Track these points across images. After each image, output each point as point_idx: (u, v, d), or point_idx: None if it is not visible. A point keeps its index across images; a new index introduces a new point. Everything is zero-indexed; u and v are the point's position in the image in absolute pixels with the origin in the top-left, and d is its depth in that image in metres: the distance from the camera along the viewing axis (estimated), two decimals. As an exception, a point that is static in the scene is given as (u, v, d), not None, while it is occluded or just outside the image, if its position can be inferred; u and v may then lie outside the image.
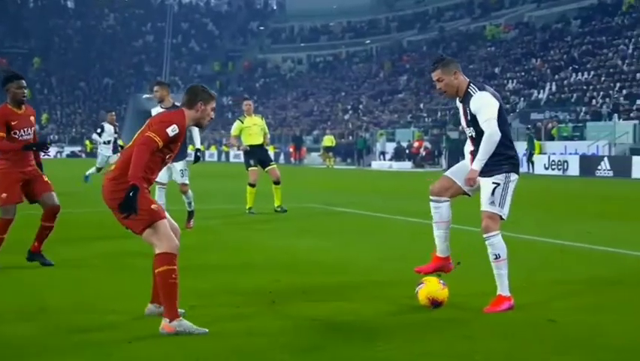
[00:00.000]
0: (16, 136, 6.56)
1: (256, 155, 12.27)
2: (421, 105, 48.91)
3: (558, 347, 4.19)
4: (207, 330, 4.37)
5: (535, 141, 32.20)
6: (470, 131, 5.22)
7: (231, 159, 51.64)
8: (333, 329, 4.51)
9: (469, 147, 5.31)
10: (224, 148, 52.16)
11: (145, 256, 7.32)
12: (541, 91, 40.73)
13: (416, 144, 39.68)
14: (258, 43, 79.75)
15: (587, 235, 9.19)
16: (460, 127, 5.39)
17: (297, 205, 13.23)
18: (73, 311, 4.99)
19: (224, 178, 24.52)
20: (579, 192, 18.49)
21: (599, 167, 27.87)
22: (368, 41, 68.70)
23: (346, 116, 54.33)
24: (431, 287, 5.15)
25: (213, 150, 55.77)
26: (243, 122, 12.33)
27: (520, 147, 33.01)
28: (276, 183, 12.22)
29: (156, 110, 9.95)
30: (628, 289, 5.85)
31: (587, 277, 6.32)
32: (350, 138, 47.29)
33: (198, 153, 10.30)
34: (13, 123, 6.52)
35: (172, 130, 4.44)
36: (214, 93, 4.73)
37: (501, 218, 5.16)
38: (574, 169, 29.06)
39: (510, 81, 44.66)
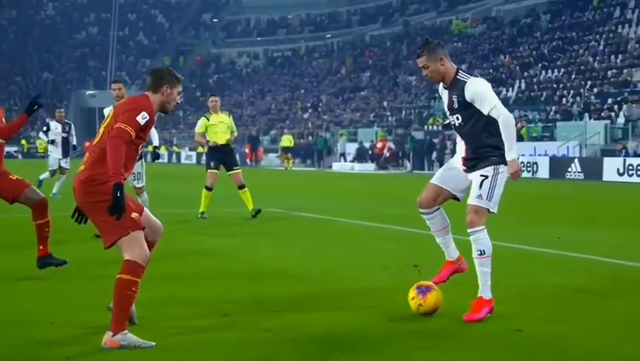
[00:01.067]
0: None
1: (220, 156, 12.19)
2: (385, 103, 49.27)
3: (525, 358, 4.28)
4: (154, 344, 4.35)
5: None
6: (454, 119, 5.30)
7: (182, 160, 51.34)
8: (289, 341, 4.53)
9: (460, 141, 5.39)
10: (174, 149, 51.74)
11: (90, 264, 7.25)
12: (510, 89, 41.39)
13: (379, 145, 39.95)
14: (211, 37, 79.40)
15: (557, 240, 9.38)
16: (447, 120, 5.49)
17: (235, 210, 13.22)
18: (9, 325, 4.91)
19: (175, 180, 24.34)
20: (549, 196, 18.84)
21: (570, 169, 28.42)
22: (329, 35, 68.96)
23: (306, 115, 54.43)
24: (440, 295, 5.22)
25: (163, 150, 55.21)
26: (208, 120, 12.30)
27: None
28: (241, 187, 12.14)
29: (109, 110, 10.05)
30: (596, 297, 5.99)
31: (555, 285, 6.46)
32: (310, 138, 47.40)
33: (158, 151, 10.38)
34: None
35: (142, 118, 4.41)
36: (180, 77, 4.72)
37: (489, 212, 5.20)
38: (544, 171, 29.57)
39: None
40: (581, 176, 27.71)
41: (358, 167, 38.94)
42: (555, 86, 38.60)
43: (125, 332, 4.34)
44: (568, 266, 7.63)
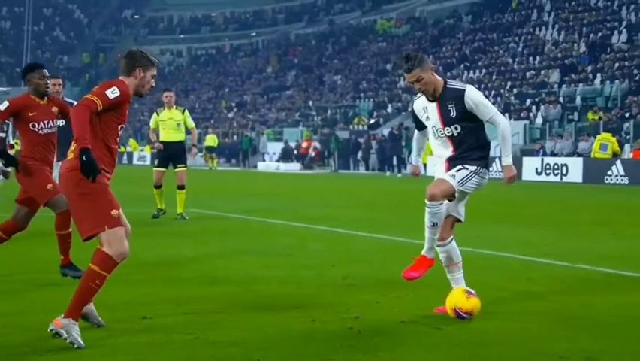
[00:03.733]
0: (35, 129, 6.46)
1: (168, 153, 12.09)
2: (310, 103, 49.46)
3: (444, 356, 4.38)
4: (84, 345, 4.30)
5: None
6: (450, 130, 5.22)
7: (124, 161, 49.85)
8: (210, 343, 4.50)
9: (442, 149, 5.31)
10: (121, 149, 50.43)
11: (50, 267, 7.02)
12: (434, 89, 42.16)
13: (305, 144, 40.07)
14: (132, 34, 77.94)
15: (477, 239, 9.62)
16: (432, 129, 5.36)
17: (176, 210, 13.05)
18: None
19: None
20: (470, 196, 19.26)
21: (491, 168, 29.11)
22: (253, 34, 68.73)
23: (230, 114, 54.08)
24: (456, 297, 5.19)
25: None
26: (158, 115, 12.31)
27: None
28: (180, 187, 12.00)
29: None
30: (515, 295, 6.17)
31: (472, 283, 6.62)
32: (235, 137, 47.10)
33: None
34: (31, 114, 6.40)
35: (112, 92, 4.38)
36: (155, 60, 4.68)
37: (452, 196, 5.24)
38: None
39: (402, 78, 45.96)
40: (502, 175, 28.43)
41: (284, 167, 38.95)
42: (477, 86, 39.50)
43: (75, 323, 4.33)
44: (486, 264, 7.83)
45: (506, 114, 33.86)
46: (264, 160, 41.78)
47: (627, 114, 28.99)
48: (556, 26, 40.59)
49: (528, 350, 4.48)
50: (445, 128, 5.25)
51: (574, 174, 25.82)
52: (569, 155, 27.68)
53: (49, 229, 7.11)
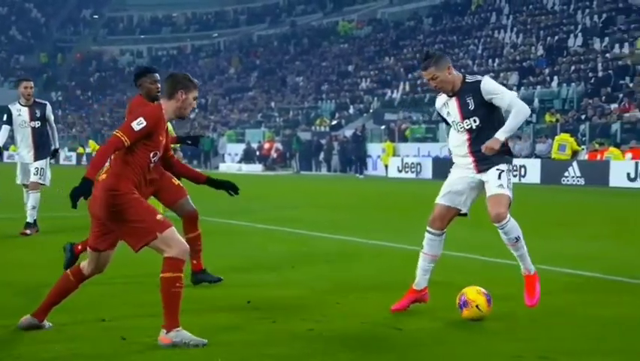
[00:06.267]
0: None
1: None
2: (272, 104, 49.40)
3: (404, 356, 4.42)
4: (206, 341, 4.40)
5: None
6: (469, 123, 5.28)
7: (61, 161, 49.27)
8: (168, 346, 4.47)
9: (461, 148, 5.35)
10: (80, 150, 49.58)
11: (22, 267, 6.87)
12: (395, 90, 42.49)
13: (267, 146, 40.00)
14: (91, 34, 76.97)
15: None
16: (452, 126, 5.43)
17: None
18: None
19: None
20: (432, 196, 19.44)
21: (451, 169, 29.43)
22: (215, 35, 68.39)
23: (192, 115, 53.71)
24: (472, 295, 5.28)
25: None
26: None
27: (376, 149, 34.30)
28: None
29: (16, 109, 10.00)
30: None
31: (436, 284, 6.69)
32: (196, 138, 46.75)
33: (57, 154, 10.41)
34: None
35: (137, 124, 4.46)
36: (196, 81, 4.79)
37: (510, 201, 5.29)
38: (427, 172, 30.53)
39: (364, 80, 46.20)
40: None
41: (246, 168, 38.83)
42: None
43: (179, 328, 4.40)
44: (448, 264, 7.90)
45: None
46: (224, 161, 41.61)
47: (583, 116, 29.54)
48: (515, 29, 41.18)
49: (485, 349, 4.55)
50: (464, 121, 5.33)
51: (532, 175, 26.21)
52: (527, 156, 28.09)
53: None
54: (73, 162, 47.75)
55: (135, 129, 4.45)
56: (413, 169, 31.30)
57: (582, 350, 4.55)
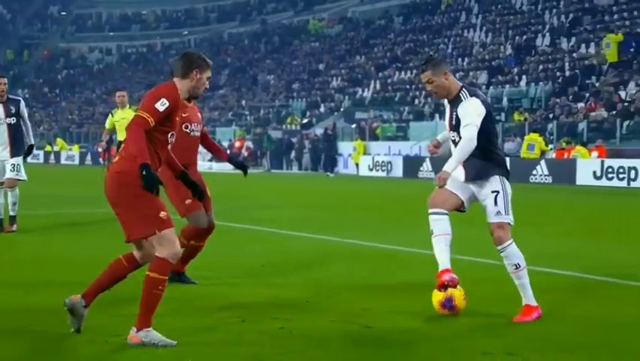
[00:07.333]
0: (188, 130, 6.25)
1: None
2: (243, 102, 49.25)
3: (373, 355, 4.44)
4: (175, 342, 4.38)
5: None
6: (454, 136, 5.36)
7: (50, 160, 48.42)
8: (138, 346, 4.45)
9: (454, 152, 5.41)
10: (48, 148, 48.88)
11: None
12: (366, 89, 42.60)
13: (237, 144, 39.87)
14: (59, 30, 76.04)
15: (409, 238, 9.76)
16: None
17: (106, 211, 12.84)
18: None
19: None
20: (403, 195, 19.59)
21: (422, 168, 29.61)
22: (185, 32, 68.00)
23: (162, 113, 53.30)
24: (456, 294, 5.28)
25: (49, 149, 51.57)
26: (113, 116, 12.28)
27: (347, 147, 34.37)
28: None
29: None
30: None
31: (405, 281, 6.74)
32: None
33: (32, 150, 10.30)
34: (184, 115, 6.14)
35: (161, 104, 4.43)
36: (210, 61, 4.74)
37: (510, 224, 5.28)
38: (398, 170, 30.65)
39: (335, 78, 46.26)
40: (433, 175, 28.92)
41: (216, 166, 38.63)
42: (408, 87, 40.12)
43: (150, 329, 4.39)
44: (423, 263, 7.94)
45: (436, 115, 34.45)
46: (200, 160, 41.35)
47: (551, 115, 29.90)
48: (484, 29, 41.53)
49: (453, 346, 4.59)
50: (450, 133, 5.43)
51: (501, 173, 26.42)
52: (496, 155, 28.31)
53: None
54: (41, 160, 47.10)
55: (160, 110, 4.44)
56: (384, 168, 31.41)
57: (551, 347, 4.61)
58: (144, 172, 4.28)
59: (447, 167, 5.22)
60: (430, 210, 5.41)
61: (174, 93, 4.55)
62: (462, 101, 5.30)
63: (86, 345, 4.50)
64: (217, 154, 6.82)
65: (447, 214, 5.38)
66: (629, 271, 7.42)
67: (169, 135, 4.59)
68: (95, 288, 4.68)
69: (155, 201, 4.45)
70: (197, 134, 6.45)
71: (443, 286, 5.29)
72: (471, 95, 5.30)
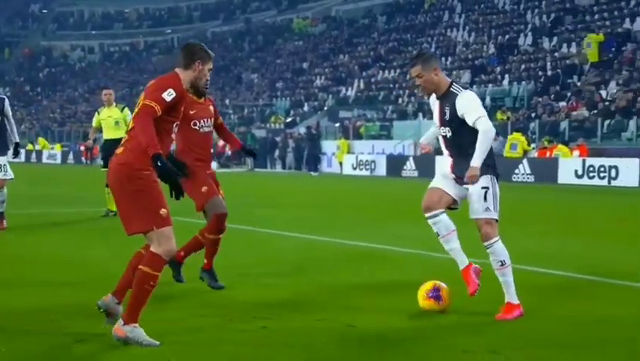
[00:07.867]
0: (197, 127, 6.19)
1: (106, 153, 11.96)
2: (227, 101, 49.13)
3: (356, 353, 4.44)
4: (159, 343, 4.35)
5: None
6: (445, 131, 5.33)
7: (29, 159, 47.96)
8: (120, 345, 4.42)
9: (444, 148, 5.44)
10: (29, 147, 48.45)
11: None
12: (350, 88, 42.64)
13: (221, 143, 39.76)
14: (40, 29, 75.48)
15: (392, 237, 9.79)
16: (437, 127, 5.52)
17: (90, 210, 12.78)
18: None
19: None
20: (387, 194, 19.63)
21: (405, 167, 29.68)
22: (169, 31, 67.74)
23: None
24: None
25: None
26: (99, 114, 12.41)
27: (330, 146, 34.37)
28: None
29: None
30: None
31: (390, 281, 6.75)
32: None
33: (19, 148, 10.29)
34: (192, 112, 6.05)
35: (168, 94, 4.44)
36: (212, 53, 4.75)
37: (497, 221, 5.29)
38: (381, 169, 30.71)
39: (318, 77, 46.27)
40: (416, 174, 29.02)
41: (200, 165, 38.51)
42: (392, 86, 40.21)
43: (136, 325, 4.36)
44: (404, 262, 7.97)
45: (420, 114, 34.54)
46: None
47: (533, 114, 30.07)
48: (467, 28, 41.70)
49: (435, 344, 4.61)
50: (441, 128, 5.42)
51: (484, 172, 26.54)
52: (479, 154, 28.43)
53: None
54: (22, 159, 46.67)
55: (167, 99, 4.44)
56: (367, 166, 31.46)
57: (533, 345, 4.63)
58: (158, 163, 4.29)
59: (474, 163, 5.17)
60: (427, 215, 5.41)
61: (179, 83, 4.57)
62: (456, 95, 5.31)
63: (71, 346, 4.46)
64: (232, 145, 6.82)
65: (444, 212, 5.41)
66: (612, 269, 7.47)
67: (174, 125, 4.60)
68: (123, 284, 4.70)
69: (157, 197, 4.45)
70: (208, 129, 6.39)
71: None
72: (464, 89, 5.34)
